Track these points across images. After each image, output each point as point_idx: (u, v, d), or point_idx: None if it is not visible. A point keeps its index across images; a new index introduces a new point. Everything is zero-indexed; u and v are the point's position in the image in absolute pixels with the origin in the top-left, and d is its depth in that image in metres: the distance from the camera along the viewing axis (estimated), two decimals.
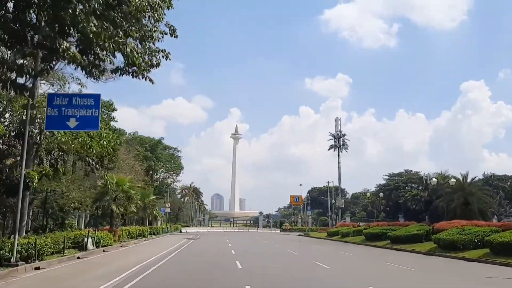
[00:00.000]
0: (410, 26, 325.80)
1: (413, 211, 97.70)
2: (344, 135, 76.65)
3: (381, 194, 71.63)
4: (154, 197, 51.39)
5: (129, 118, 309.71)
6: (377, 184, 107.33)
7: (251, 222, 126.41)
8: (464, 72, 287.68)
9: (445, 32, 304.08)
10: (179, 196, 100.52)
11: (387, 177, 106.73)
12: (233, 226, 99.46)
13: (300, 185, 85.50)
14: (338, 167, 75.41)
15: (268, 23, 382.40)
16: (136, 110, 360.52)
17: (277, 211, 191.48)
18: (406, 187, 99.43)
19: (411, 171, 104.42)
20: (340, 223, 63.82)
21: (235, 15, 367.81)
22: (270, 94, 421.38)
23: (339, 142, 76.19)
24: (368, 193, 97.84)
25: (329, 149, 77.68)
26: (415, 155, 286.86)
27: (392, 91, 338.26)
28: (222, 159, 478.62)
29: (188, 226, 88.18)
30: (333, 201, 75.61)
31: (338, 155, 75.91)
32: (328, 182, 77.15)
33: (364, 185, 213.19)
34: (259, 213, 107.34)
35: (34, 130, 20.51)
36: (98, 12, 10.69)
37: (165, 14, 13.43)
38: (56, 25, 10.88)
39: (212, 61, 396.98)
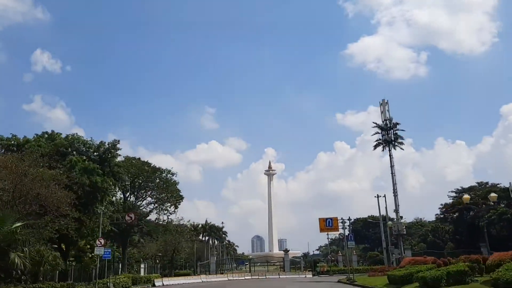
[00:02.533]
0: (439, 53, 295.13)
1: (498, 237, 66.34)
2: (396, 124, 48.16)
3: (493, 194, 38.41)
4: (19, 224, 23.62)
5: (166, 165, 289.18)
6: (441, 204, 76.12)
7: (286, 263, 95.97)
8: (502, 94, 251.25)
9: (477, 56, 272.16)
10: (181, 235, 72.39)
11: (454, 194, 75.52)
12: (246, 272, 69.97)
13: (341, 218, 56.43)
14: (391, 173, 46.58)
15: (293, 62, 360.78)
16: (172, 156, 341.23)
17: (317, 250, 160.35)
18: (485, 205, 68.15)
19: (486, 183, 73.03)
20: (408, 259, 34.56)
21: (259, 57, 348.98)
22: (303, 132, 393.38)
23: (389, 135, 47.60)
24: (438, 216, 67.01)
25: (375, 147, 49.22)
26: (460, 184, 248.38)
27: (428, 120, 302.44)
28: (260, 200, 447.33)
29: (187, 275, 60.37)
30: (389, 223, 45.79)
31: (390, 155, 47.36)
32: (377, 197, 48.20)
33: (410, 218, 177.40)
34: (284, 251, 77.17)
35: None
36: None
37: None
38: None
39: (242, 103, 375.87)
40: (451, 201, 74.13)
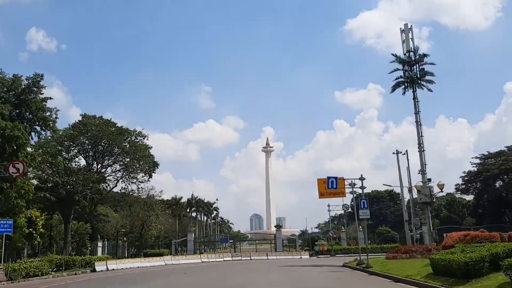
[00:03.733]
0: (441, 29, 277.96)
1: None
2: (424, 56, 35.16)
3: None
4: None
5: (164, 144, 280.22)
6: (464, 172, 63.72)
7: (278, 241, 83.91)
8: (506, 71, 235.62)
9: (480, 32, 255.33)
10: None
11: (478, 161, 63.04)
12: (232, 252, 57.79)
13: (350, 180, 44.33)
14: (416, 121, 33.87)
15: (290, 39, 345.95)
16: (170, 135, 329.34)
17: (316, 227, 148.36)
18: None
19: None
20: (456, 234, 22.24)
21: (256, 33, 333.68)
22: (302, 110, 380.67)
23: (414, 71, 34.65)
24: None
25: (393, 89, 36.20)
26: (461, 163, 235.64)
27: (429, 97, 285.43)
28: (259, 179, 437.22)
29: (160, 255, 48.44)
30: (417, 184, 32.91)
31: (414, 98, 34.48)
32: (397, 153, 35.56)
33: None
34: (275, 227, 65.10)
35: None
36: None
37: None
38: None
39: (238, 81, 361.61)
40: (475, 169, 61.68)
